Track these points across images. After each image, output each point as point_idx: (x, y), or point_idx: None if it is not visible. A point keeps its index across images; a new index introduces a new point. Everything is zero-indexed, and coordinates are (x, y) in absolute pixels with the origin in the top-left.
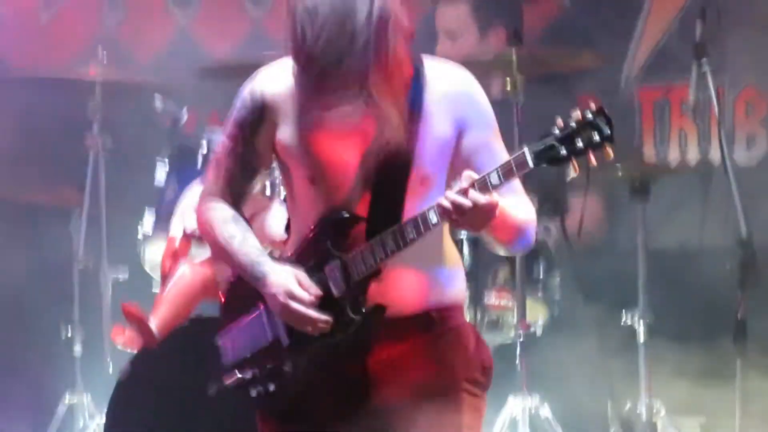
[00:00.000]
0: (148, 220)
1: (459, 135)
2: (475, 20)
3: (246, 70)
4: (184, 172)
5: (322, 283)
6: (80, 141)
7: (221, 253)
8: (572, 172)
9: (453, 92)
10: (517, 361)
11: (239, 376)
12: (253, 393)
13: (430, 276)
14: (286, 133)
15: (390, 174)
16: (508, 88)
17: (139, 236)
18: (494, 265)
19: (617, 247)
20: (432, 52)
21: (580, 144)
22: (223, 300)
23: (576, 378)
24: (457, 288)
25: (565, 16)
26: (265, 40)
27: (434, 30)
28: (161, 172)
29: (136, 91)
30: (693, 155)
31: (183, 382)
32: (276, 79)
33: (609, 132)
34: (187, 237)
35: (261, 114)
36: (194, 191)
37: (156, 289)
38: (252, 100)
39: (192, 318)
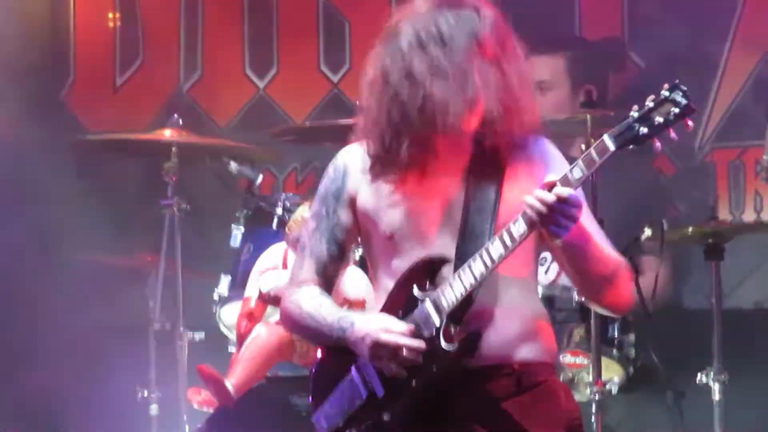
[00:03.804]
0: (224, 281)
1: None
2: (569, 75)
3: (323, 133)
4: (259, 234)
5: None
6: (156, 203)
7: (308, 328)
8: (657, 149)
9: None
10: (593, 419)
11: None
12: None
13: (520, 326)
14: (367, 198)
15: (476, 221)
16: (583, 148)
17: (215, 297)
18: (570, 324)
19: (691, 306)
20: None
21: (658, 119)
22: (311, 385)
23: None
24: (548, 344)
25: (641, 77)
26: (342, 104)
27: None
28: (237, 237)
29: (212, 153)
30: None
31: None
32: (356, 151)
33: (686, 102)
34: (263, 297)
35: (343, 181)
36: (269, 253)
37: (232, 350)
38: (335, 170)
39: (268, 377)
